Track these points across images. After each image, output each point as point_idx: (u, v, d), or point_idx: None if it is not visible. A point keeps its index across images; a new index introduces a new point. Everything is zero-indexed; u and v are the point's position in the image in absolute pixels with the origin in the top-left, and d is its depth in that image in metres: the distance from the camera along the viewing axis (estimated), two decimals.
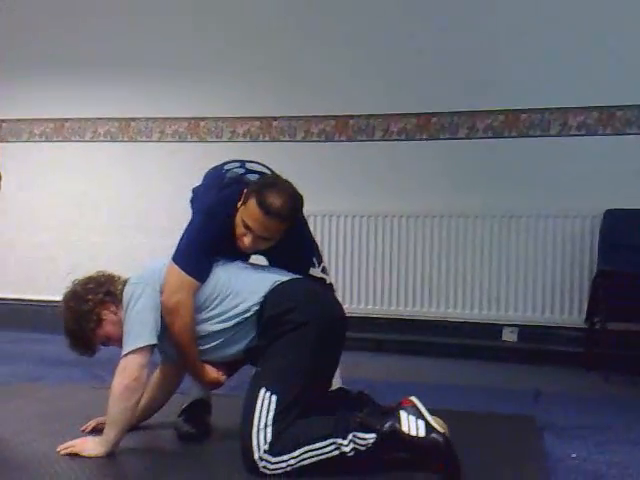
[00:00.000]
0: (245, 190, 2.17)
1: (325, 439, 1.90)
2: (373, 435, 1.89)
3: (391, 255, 4.21)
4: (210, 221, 2.18)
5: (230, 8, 4.58)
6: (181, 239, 2.20)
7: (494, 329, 4.06)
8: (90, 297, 2.17)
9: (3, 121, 5.00)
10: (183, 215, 4.63)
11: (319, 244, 2.54)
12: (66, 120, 4.90)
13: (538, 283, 4.00)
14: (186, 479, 1.87)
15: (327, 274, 2.42)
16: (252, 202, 2.11)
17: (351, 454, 1.89)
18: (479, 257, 4.09)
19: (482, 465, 1.90)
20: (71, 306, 2.19)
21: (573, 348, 3.82)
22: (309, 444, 1.90)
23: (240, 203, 2.17)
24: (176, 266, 2.13)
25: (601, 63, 3.97)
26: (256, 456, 1.89)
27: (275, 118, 4.51)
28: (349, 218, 4.25)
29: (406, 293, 4.18)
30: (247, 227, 2.12)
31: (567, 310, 3.93)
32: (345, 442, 1.89)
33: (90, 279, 2.24)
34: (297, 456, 1.89)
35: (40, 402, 2.71)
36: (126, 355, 2.05)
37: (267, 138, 4.53)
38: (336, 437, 1.90)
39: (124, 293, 2.14)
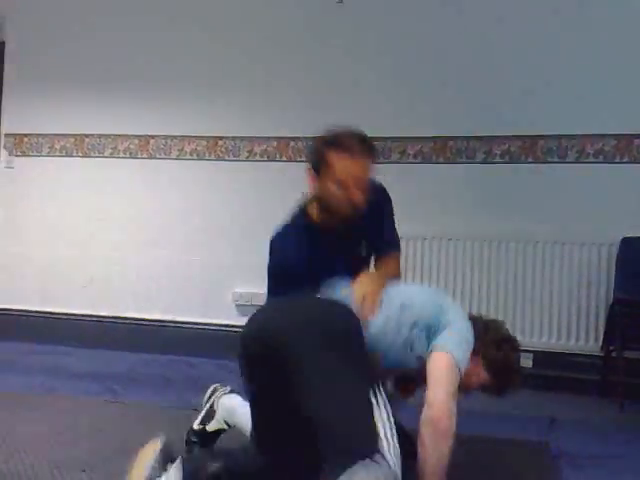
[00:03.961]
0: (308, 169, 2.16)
1: None
2: None
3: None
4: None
5: (249, 27, 4.64)
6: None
7: None
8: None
9: (25, 135, 5.07)
10: (199, 231, 4.63)
11: None
12: (86, 136, 4.96)
13: (554, 309, 3.97)
14: None
15: None
16: (332, 157, 2.08)
17: None
18: (494, 282, 4.07)
19: None
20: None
21: (589, 375, 3.78)
22: None
23: (313, 181, 2.16)
24: None
25: (619, 90, 3.98)
26: None
27: (292, 138, 4.54)
28: None
29: None
30: (342, 184, 2.07)
31: (583, 337, 3.90)
32: None
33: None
34: None
35: (54, 413, 2.72)
36: None
37: (284, 158, 4.56)
38: None
39: None
